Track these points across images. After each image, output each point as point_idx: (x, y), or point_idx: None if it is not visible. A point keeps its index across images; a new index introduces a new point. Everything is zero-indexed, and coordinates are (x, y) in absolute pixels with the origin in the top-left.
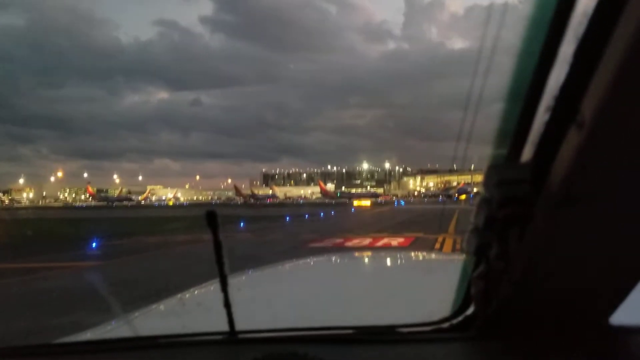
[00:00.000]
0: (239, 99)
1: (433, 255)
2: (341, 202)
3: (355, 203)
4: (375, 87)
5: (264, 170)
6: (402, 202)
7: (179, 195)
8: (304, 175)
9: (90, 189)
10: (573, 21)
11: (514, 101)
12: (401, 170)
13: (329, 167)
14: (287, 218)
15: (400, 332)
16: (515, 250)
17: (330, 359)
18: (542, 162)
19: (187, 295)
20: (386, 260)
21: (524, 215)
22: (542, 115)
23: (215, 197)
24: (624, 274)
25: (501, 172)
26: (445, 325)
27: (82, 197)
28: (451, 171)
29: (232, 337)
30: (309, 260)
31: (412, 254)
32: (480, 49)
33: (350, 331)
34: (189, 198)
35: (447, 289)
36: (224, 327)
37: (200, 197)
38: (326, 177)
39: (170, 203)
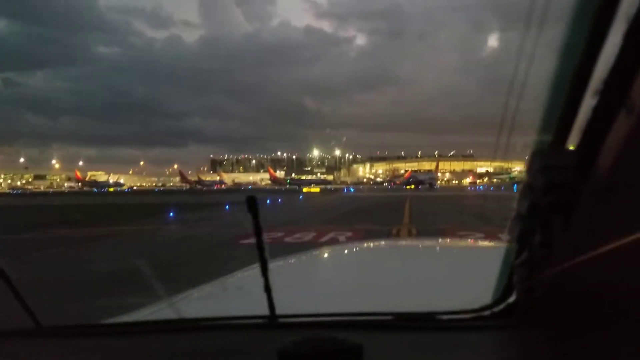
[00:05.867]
0: (69, 81)
1: (475, 242)
2: (291, 189)
3: (305, 190)
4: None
5: (211, 155)
6: (352, 189)
7: (121, 181)
8: (253, 161)
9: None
10: (624, 1)
11: (560, 85)
12: (351, 157)
13: (279, 153)
14: (227, 207)
15: (440, 319)
16: (559, 238)
17: (368, 344)
18: (589, 148)
19: (229, 280)
20: (426, 246)
21: (568, 203)
22: (589, 100)
23: (160, 184)
24: None
25: (545, 158)
26: (486, 313)
27: (18, 183)
28: (399, 158)
29: (272, 321)
30: (348, 246)
31: (453, 240)
32: (526, 32)
33: (389, 317)
34: (132, 184)
35: (488, 276)
36: (265, 311)
37: (144, 184)
38: (276, 163)
39: (111, 190)
